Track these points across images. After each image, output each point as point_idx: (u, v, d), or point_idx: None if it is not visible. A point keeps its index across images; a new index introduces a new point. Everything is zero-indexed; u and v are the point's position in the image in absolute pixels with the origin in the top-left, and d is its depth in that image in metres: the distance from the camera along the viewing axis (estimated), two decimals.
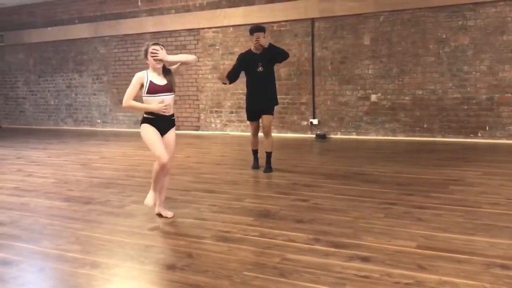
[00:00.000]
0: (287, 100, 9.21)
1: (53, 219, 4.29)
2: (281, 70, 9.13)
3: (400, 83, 8.31)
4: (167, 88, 4.05)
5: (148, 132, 4.07)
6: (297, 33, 9.06)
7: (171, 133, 4.17)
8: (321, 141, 8.57)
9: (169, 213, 4.21)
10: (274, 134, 9.33)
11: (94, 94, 11.79)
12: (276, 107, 6.12)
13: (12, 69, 13.05)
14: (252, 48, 5.87)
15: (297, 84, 9.15)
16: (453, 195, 4.56)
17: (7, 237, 3.79)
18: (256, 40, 5.72)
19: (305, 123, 9.21)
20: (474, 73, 7.76)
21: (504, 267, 2.90)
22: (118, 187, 5.42)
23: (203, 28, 10.00)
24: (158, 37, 10.50)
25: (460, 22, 7.76)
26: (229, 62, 9.77)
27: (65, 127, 12.31)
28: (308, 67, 9.01)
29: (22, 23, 12.49)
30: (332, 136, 8.91)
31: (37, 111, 12.86)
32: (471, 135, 7.86)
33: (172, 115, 4.16)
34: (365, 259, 3.09)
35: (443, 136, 8.06)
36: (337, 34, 8.71)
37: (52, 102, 12.54)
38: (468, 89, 7.82)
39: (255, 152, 6.22)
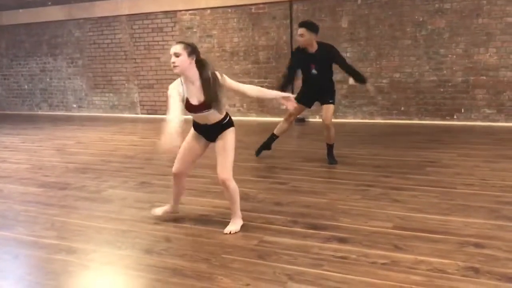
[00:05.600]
0: (266, 84, 9.16)
1: (27, 205, 4.21)
2: (260, 53, 9.08)
3: (377, 66, 8.35)
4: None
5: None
6: (275, 15, 8.99)
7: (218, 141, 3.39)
8: (300, 125, 8.58)
9: None
10: (253, 118, 9.34)
11: (69, 78, 11.54)
12: None
13: None
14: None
15: (276, 68, 9.09)
16: (429, 176, 4.63)
17: None
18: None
19: (284, 107, 9.18)
20: (450, 56, 7.83)
21: (477, 245, 2.96)
22: (94, 173, 5.34)
23: (180, 11, 9.83)
24: (134, 19, 10.31)
25: (436, 5, 7.80)
26: (207, 45, 9.67)
27: (40, 112, 12.05)
28: (287, 50, 8.95)
29: None
30: (310, 119, 8.93)
31: (10, 95, 12.54)
32: (447, 118, 7.97)
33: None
34: (342, 240, 3.12)
35: (420, 119, 8.15)
36: (316, 17, 8.66)
37: (26, 87, 12.23)
38: (444, 72, 7.90)
39: (272, 135, 5.68)
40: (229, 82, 3.32)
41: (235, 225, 3.41)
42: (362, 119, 8.57)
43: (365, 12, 8.30)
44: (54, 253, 3.12)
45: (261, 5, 9.08)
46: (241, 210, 3.78)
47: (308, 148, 6.38)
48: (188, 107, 3.27)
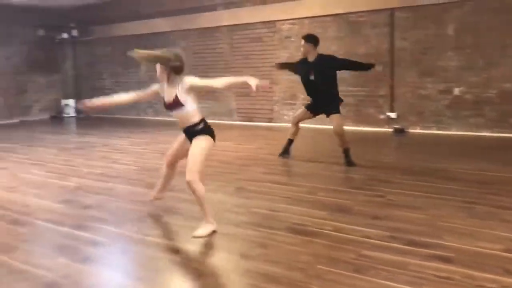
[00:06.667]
0: (363, 93, 9.00)
1: (135, 204, 4.51)
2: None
3: (485, 76, 7.83)
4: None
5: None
6: (375, 24, 8.81)
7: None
8: (399, 136, 8.29)
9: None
10: (349, 127, 9.19)
11: None
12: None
13: (99, 61, 13.84)
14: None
15: (375, 76, 8.87)
16: None
17: (95, 220, 4.04)
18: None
19: (382, 116, 8.94)
20: None
21: None
22: None
23: (279, 20, 10.00)
24: (233, 30, 10.67)
25: None
26: None
27: (145, 117, 12.88)
28: (387, 58, 8.73)
29: (109, 18, 13.19)
30: (411, 130, 8.59)
31: None
32: None
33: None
34: (445, 260, 2.97)
35: None
36: (418, 25, 8.35)
37: None
38: None
39: (288, 139, 6.36)
40: (194, 82, 3.78)
41: (202, 229, 3.55)
42: (467, 131, 8.07)
43: (473, 18, 7.84)
44: (159, 251, 3.32)
45: (360, 14, 8.95)
46: (337, 221, 3.76)
47: (407, 160, 6.15)
48: (164, 105, 3.86)
